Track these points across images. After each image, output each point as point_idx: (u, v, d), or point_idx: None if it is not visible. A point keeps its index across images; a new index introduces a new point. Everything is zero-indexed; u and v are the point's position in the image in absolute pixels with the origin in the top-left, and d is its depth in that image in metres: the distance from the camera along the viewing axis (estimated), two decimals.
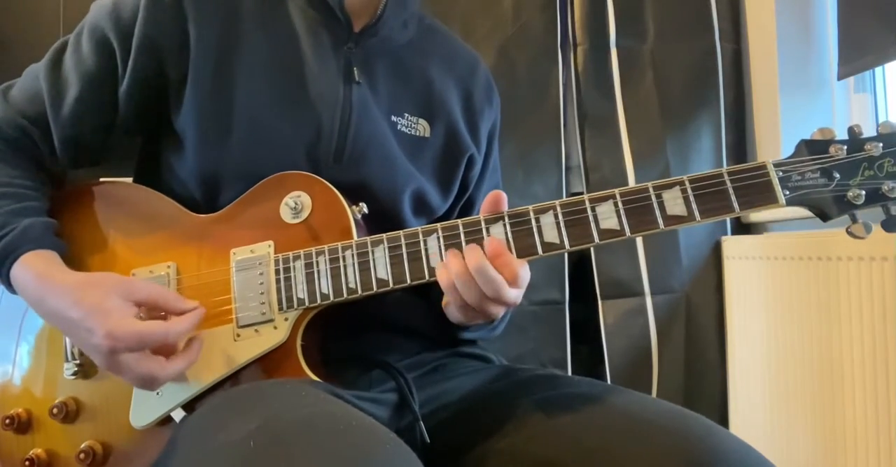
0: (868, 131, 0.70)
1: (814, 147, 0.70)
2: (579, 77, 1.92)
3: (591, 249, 1.88)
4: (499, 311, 0.76)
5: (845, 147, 0.69)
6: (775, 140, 1.79)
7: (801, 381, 1.46)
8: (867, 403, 1.26)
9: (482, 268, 0.71)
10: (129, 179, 0.93)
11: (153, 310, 0.76)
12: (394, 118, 0.89)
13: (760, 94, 1.88)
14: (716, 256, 1.86)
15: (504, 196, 0.75)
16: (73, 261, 0.82)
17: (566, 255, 1.90)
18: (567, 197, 1.90)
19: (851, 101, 1.74)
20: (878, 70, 1.67)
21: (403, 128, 0.90)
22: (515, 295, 0.73)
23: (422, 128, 0.92)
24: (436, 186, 0.93)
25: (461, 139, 0.95)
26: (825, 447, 1.38)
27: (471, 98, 0.98)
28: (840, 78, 1.60)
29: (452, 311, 0.78)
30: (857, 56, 1.53)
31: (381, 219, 0.84)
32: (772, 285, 1.59)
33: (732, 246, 1.81)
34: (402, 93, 0.91)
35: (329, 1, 0.86)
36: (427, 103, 0.93)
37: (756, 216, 1.84)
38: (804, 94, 1.78)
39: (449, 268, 0.73)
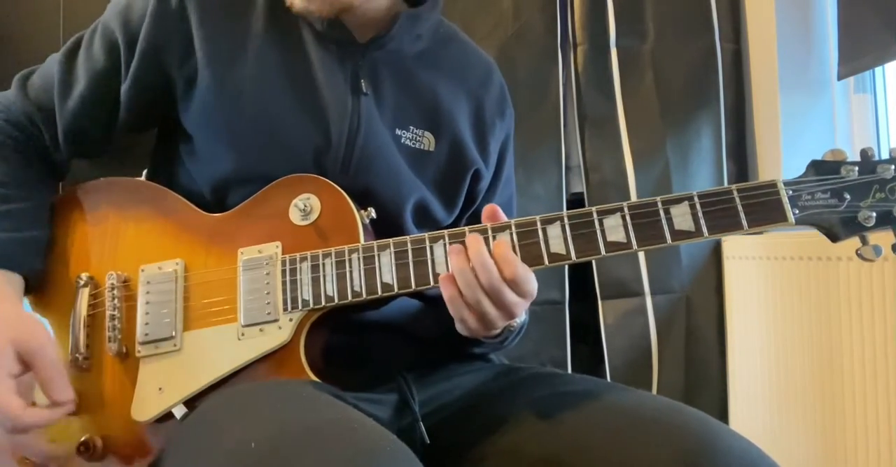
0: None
1: (824, 167, 0.70)
2: (579, 77, 1.92)
3: None
4: (496, 319, 0.74)
5: (856, 168, 0.69)
6: (775, 140, 1.80)
7: (800, 381, 1.47)
8: (867, 403, 1.27)
9: (481, 254, 0.70)
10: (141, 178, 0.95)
11: (36, 378, 0.75)
12: (398, 131, 0.89)
13: (760, 94, 1.88)
14: (716, 256, 1.86)
15: (498, 209, 0.76)
16: (82, 256, 0.84)
17: None
18: (567, 196, 1.91)
19: (851, 101, 1.74)
20: (878, 70, 1.67)
21: (407, 142, 0.89)
22: (513, 299, 0.72)
23: (427, 141, 0.91)
24: (439, 199, 0.92)
25: (467, 153, 0.94)
26: (825, 446, 1.39)
27: (482, 111, 0.96)
28: (840, 78, 1.61)
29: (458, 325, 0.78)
30: (857, 56, 1.53)
31: (385, 229, 0.83)
32: (772, 285, 1.59)
33: (732, 246, 1.81)
34: (408, 105, 0.90)
35: (313, 21, 0.85)
36: (433, 116, 0.92)
37: None
38: (804, 94, 1.78)
39: (452, 263, 0.72)
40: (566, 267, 1.89)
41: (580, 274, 1.91)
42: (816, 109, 1.77)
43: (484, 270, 0.70)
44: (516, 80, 1.88)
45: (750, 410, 1.71)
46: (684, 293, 1.86)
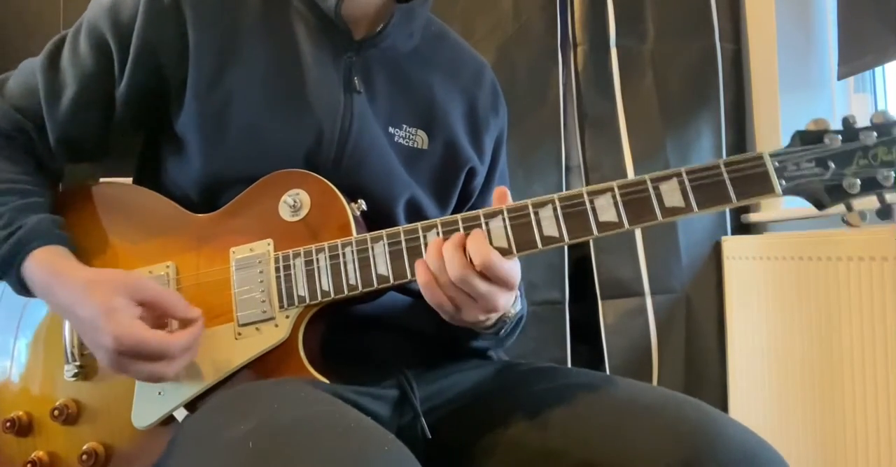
0: (862, 121, 0.71)
1: (808, 137, 0.70)
2: (579, 77, 1.92)
3: (592, 249, 1.88)
4: (473, 309, 0.73)
5: (840, 137, 0.69)
6: (775, 140, 1.80)
7: (800, 381, 1.47)
8: (867, 402, 1.27)
9: (451, 247, 0.70)
10: (129, 180, 0.93)
11: (157, 312, 0.76)
12: (391, 129, 0.89)
13: (760, 94, 1.88)
14: (716, 256, 1.86)
15: (507, 192, 0.76)
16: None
17: (566, 255, 1.90)
18: None
19: (851, 101, 1.74)
20: (878, 70, 1.67)
21: (401, 140, 0.89)
22: (486, 289, 0.71)
23: (420, 139, 0.90)
24: (432, 198, 0.92)
25: (461, 151, 0.93)
26: (825, 446, 1.38)
27: (475, 109, 0.96)
28: (840, 78, 1.61)
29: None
30: (857, 56, 1.53)
31: (376, 227, 0.83)
32: (772, 285, 1.59)
33: (732, 246, 1.81)
34: (401, 103, 0.90)
35: (324, 9, 0.84)
36: (427, 114, 0.91)
37: (756, 216, 1.84)
38: (804, 93, 1.78)
39: (427, 253, 0.72)
40: (566, 266, 1.89)
41: (580, 274, 1.91)
42: (816, 109, 1.77)
43: (451, 260, 0.70)
44: (516, 80, 1.88)
45: (750, 410, 1.71)
46: (684, 293, 1.86)
